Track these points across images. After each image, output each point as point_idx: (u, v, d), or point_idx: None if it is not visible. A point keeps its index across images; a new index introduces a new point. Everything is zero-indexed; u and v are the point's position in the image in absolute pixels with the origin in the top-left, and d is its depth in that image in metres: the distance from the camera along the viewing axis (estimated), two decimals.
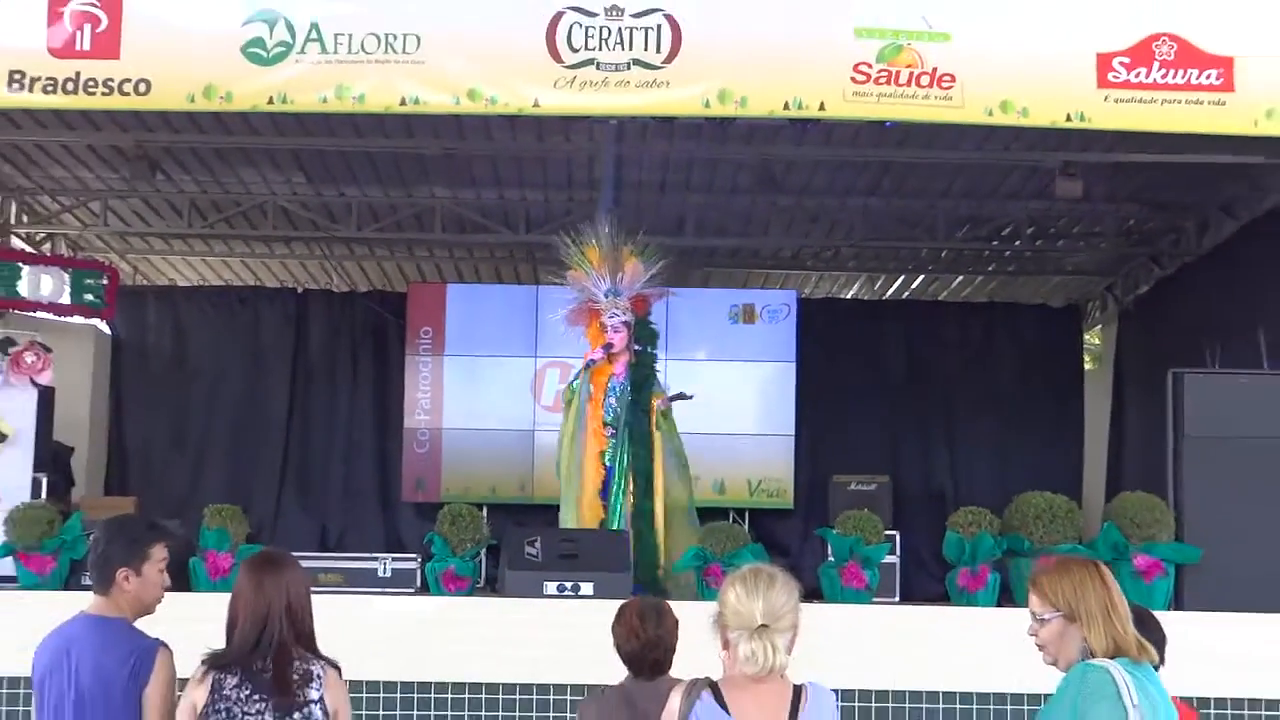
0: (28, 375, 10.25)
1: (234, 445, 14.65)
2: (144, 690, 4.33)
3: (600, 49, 8.07)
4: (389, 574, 9.38)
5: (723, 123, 9.22)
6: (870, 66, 8.08)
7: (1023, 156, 11.88)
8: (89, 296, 11.28)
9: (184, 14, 8.19)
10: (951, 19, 8.17)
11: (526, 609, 8.34)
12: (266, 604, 4.22)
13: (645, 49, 8.09)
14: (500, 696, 7.83)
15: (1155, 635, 4.27)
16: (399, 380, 14.25)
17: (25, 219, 13.77)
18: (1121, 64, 8.15)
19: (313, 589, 4.44)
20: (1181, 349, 11.12)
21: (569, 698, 7.78)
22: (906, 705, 7.93)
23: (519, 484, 13.70)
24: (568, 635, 7.96)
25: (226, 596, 4.39)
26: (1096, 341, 16.55)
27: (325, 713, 4.20)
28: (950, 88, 8.10)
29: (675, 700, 3.85)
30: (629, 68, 8.08)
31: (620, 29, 8.08)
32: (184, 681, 4.33)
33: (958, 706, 7.94)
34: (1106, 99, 8.16)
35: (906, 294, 16.22)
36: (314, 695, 4.18)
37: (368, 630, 7.82)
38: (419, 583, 9.35)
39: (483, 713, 7.79)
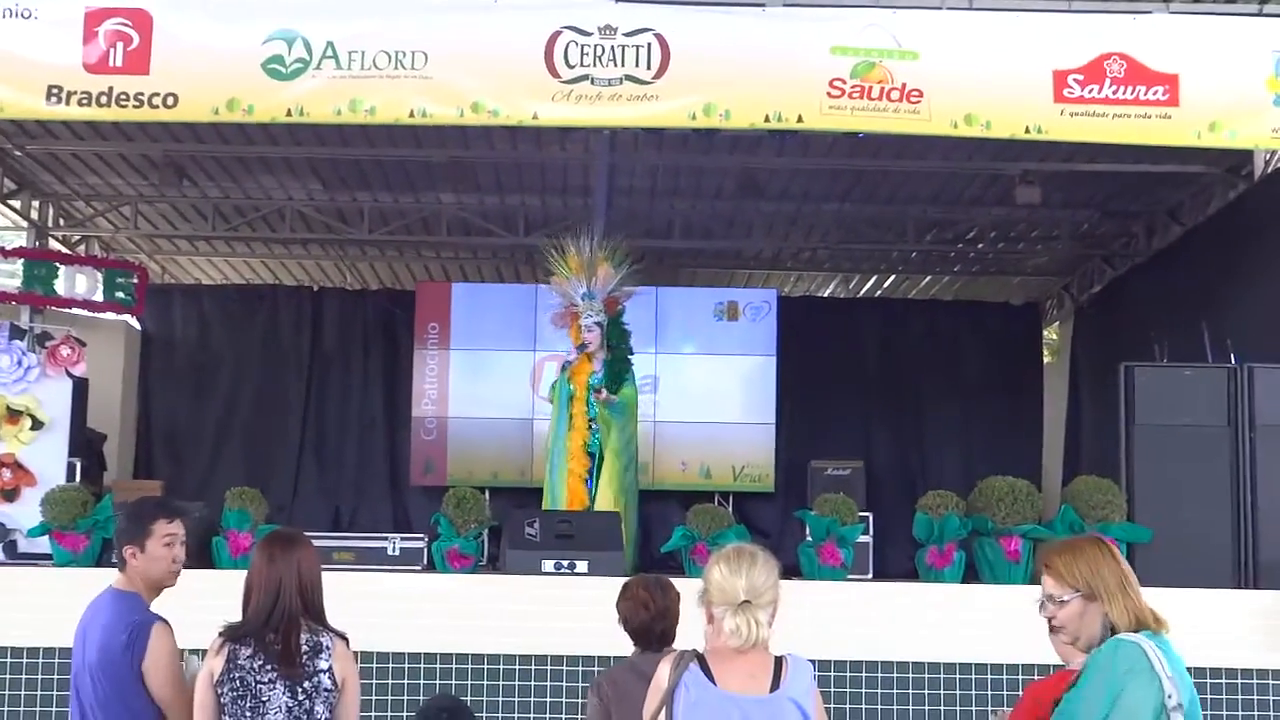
0: (63, 367, 10.21)
1: (254, 432, 14.60)
2: (141, 663, 4.30)
3: (595, 65, 8.07)
4: (398, 552, 9.34)
5: (708, 134, 9.20)
6: (845, 82, 8.09)
7: (985, 165, 11.89)
8: (120, 294, 11.19)
9: (209, 33, 8.18)
10: (920, 39, 8.18)
11: (526, 585, 8.33)
12: (279, 579, 4.19)
13: (636, 65, 8.08)
14: (501, 667, 7.82)
15: None
16: (408, 372, 14.20)
17: (62, 222, 13.78)
18: (1076, 80, 8.17)
19: (326, 567, 4.41)
20: (1132, 343, 11.12)
21: (565, 668, 7.79)
22: (879, 674, 7.93)
23: (519, 469, 13.66)
24: (564, 610, 7.96)
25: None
26: (1054, 337, 16.56)
27: (334, 681, 4.17)
28: (919, 102, 8.11)
29: (664, 670, 3.83)
30: (621, 83, 8.08)
31: (613, 47, 8.08)
32: (204, 653, 4.30)
33: (926, 675, 7.94)
34: (1062, 113, 8.19)
35: (879, 292, 16.22)
36: (323, 665, 4.16)
37: (377, 605, 7.80)
38: (426, 561, 9.32)
39: (485, 682, 7.77)
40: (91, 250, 14.05)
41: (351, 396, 14.77)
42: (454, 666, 7.79)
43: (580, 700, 7.56)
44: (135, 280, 11.34)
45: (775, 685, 3.76)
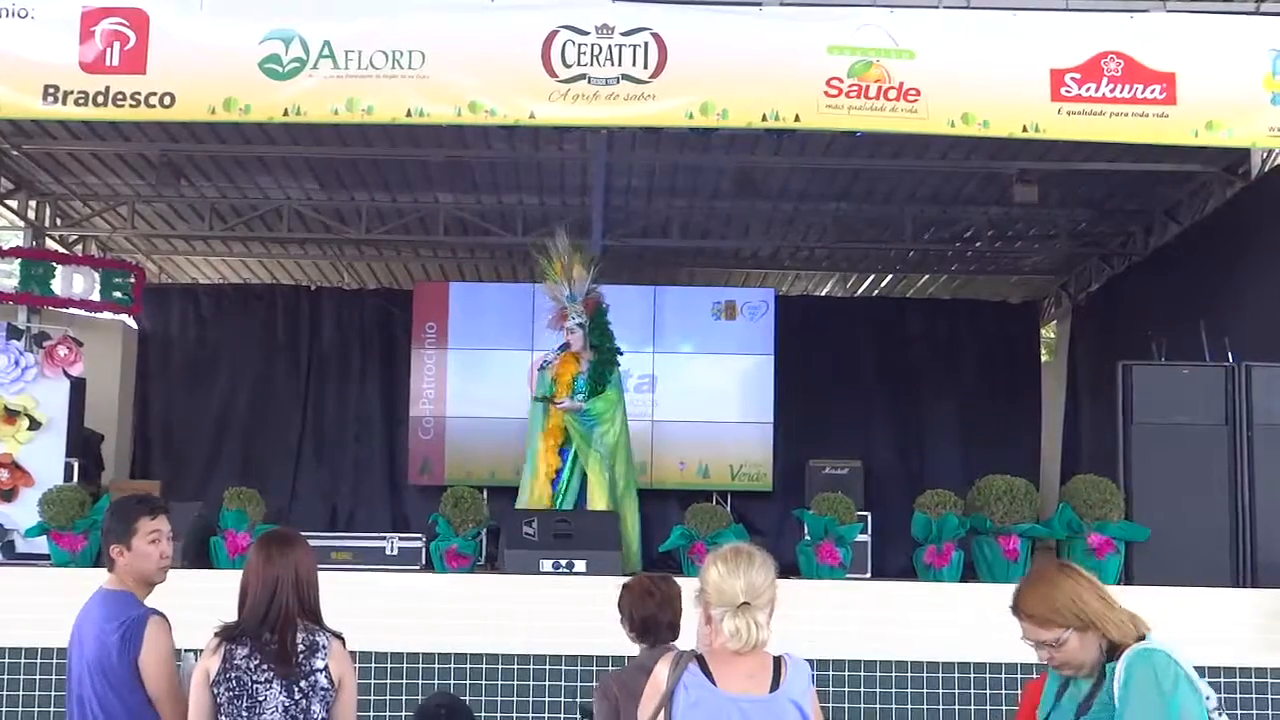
0: (61, 367, 10.20)
1: (252, 432, 14.61)
2: (137, 658, 4.30)
3: (592, 65, 8.06)
4: (395, 552, 9.33)
5: (705, 133, 9.19)
6: (842, 81, 8.08)
7: (983, 164, 11.88)
8: (117, 294, 11.20)
9: (206, 33, 8.15)
10: (917, 38, 8.17)
11: (524, 585, 8.33)
12: (275, 579, 4.18)
13: (633, 65, 8.07)
14: (499, 666, 7.82)
15: None
16: (405, 371, 14.19)
17: (59, 222, 13.76)
18: (1073, 79, 8.17)
19: (324, 566, 4.40)
20: (1130, 342, 11.09)
21: (564, 667, 7.79)
22: (878, 674, 7.94)
23: (516, 468, 13.60)
24: (562, 609, 7.96)
25: None
26: (1052, 336, 16.56)
27: (331, 681, 4.17)
28: (915, 101, 8.10)
29: (662, 670, 3.82)
30: (618, 82, 8.07)
31: (610, 46, 8.07)
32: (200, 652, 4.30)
33: (924, 675, 7.95)
34: (1060, 111, 8.18)
35: (876, 292, 16.21)
36: (319, 664, 4.16)
37: (375, 604, 7.80)
38: (424, 560, 9.31)
39: (483, 681, 7.78)
40: (89, 250, 14.02)
41: (349, 396, 14.78)
42: (452, 666, 7.79)
43: (580, 700, 7.57)
44: (132, 280, 11.36)
45: (775, 685, 3.76)
